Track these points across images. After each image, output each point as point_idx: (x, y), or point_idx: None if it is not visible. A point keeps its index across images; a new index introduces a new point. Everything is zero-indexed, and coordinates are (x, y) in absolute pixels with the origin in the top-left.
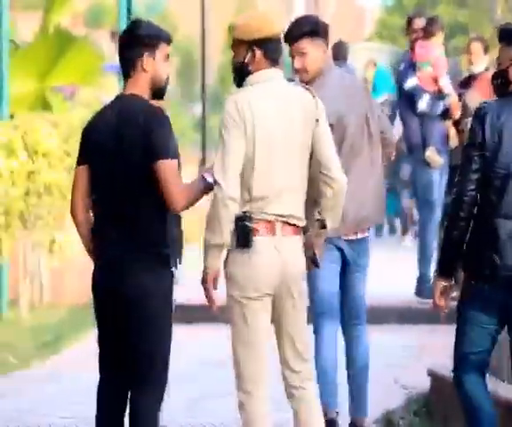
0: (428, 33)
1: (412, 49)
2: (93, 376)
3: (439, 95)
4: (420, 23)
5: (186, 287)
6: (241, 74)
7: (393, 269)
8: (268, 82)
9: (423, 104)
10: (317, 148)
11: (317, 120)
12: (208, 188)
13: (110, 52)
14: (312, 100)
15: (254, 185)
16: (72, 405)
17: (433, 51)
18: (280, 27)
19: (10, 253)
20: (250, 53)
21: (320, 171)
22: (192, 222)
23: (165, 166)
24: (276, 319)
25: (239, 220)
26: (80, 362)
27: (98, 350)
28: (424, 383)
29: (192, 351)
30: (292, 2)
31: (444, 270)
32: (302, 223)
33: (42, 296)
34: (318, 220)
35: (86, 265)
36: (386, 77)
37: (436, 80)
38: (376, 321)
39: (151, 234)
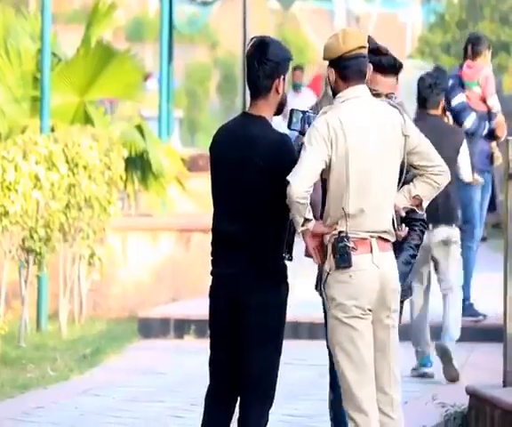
0: (475, 53)
1: (461, 67)
2: (132, 390)
3: (488, 115)
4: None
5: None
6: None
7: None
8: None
9: (469, 123)
10: (417, 153)
11: (407, 136)
12: None
13: (152, 66)
14: (399, 116)
15: (350, 203)
16: (110, 417)
17: (481, 70)
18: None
19: (50, 266)
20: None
21: (425, 166)
22: None
23: None
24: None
25: (337, 241)
26: (118, 375)
27: (209, 357)
28: (463, 401)
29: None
30: (332, 19)
31: None
32: (393, 239)
33: (81, 309)
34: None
35: (125, 279)
36: None
37: (484, 100)
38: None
39: (268, 246)
